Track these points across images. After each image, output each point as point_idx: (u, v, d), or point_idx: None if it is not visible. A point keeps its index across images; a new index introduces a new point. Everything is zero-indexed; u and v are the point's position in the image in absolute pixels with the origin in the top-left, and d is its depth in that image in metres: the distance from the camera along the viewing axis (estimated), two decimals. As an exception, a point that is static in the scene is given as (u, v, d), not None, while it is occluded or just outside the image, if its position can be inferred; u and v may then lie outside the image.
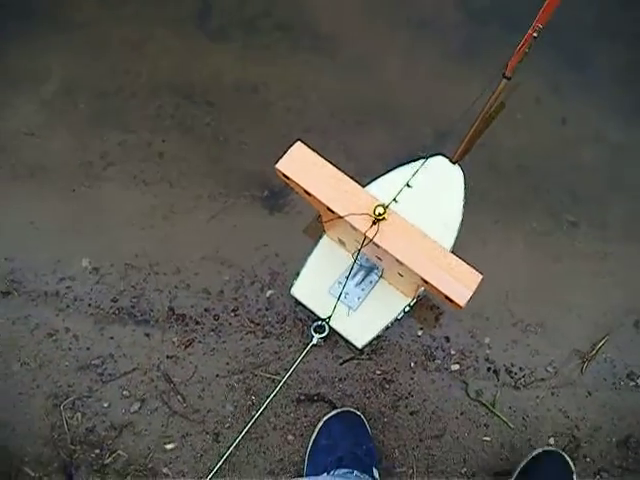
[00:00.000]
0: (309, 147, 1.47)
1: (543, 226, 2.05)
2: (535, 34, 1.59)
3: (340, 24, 2.21)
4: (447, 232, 1.91)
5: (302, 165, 1.49)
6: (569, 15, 2.19)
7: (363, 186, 1.48)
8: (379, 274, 1.87)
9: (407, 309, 1.89)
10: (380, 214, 1.41)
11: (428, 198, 1.91)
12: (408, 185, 1.82)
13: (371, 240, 1.42)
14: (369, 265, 1.87)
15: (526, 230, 2.04)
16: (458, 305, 1.38)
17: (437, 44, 2.22)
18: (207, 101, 2.14)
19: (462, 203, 1.95)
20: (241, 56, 2.19)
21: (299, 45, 2.22)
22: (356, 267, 1.87)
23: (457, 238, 1.89)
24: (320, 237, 1.93)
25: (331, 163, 1.46)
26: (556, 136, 2.14)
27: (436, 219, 1.90)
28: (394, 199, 1.59)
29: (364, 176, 1.90)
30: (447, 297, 1.39)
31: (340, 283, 1.87)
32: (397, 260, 1.41)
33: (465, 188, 1.96)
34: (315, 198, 1.46)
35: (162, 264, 1.94)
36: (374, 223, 1.42)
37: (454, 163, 1.98)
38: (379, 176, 1.92)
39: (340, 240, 1.87)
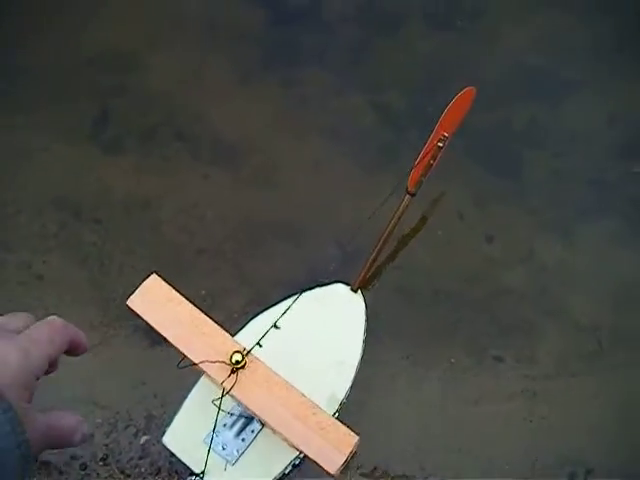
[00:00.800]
0: (165, 280, 1.32)
1: (463, 362, 1.81)
2: (440, 144, 1.40)
3: (245, 135, 2.06)
4: (343, 372, 1.66)
5: (155, 301, 1.32)
6: (492, 119, 2.02)
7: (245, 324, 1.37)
8: (260, 423, 1.61)
9: (298, 462, 1.62)
10: (238, 362, 1.24)
11: (320, 334, 1.68)
12: (276, 326, 1.59)
13: (228, 392, 1.24)
14: (247, 413, 1.61)
15: (443, 367, 1.80)
16: (328, 473, 1.20)
17: (349, 153, 2.04)
18: (95, 219, 1.96)
19: (362, 337, 1.71)
20: (136, 168, 2.02)
21: (200, 157, 2.05)
22: (234, 415, 1.62)
23: (357, 375, 1.64)
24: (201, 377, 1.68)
25: (191, 296, 1.31)
26: (480, 256, 1.93)
27: (328, 358, 1.66)
28: (258, 343, 1.39)
29: (258, 304, 1.72)
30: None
31: (217, 432, 1.60)
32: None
33: (366, 320, 1.72)
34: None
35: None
36: (232, 372, 1.26)
37: (355, 291, 1.75)
38: (266, 308, 1.69)
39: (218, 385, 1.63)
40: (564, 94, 2.14)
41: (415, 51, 2.19)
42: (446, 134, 1.42)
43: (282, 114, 2.10)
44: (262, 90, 2.13)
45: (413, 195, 1.57)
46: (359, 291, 1.76)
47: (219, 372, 1.27)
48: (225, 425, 1.61)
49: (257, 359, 1.29)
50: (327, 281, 1.73)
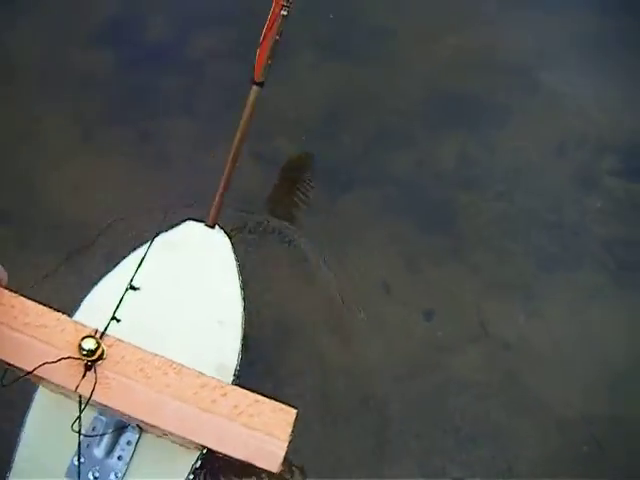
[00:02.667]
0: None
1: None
2: (284, 12, 1.14)
3: (87, 211, 1.51)
4: (227, 333, 1.22)
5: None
6: (413, 159, 1.57)
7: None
8: (136, 429, 1.13)
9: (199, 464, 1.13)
10: (92, 350, 0.83)
11: (187, 289, 1.25)
12: (132, 287, 1.09)
13: (87, 402, 0.85)
14: (115, 421, 1.12)
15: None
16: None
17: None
18: None
19: (238, 283, 1.27)
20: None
21: (28, 244, 1.49)
22: (98, 429, 1.12)
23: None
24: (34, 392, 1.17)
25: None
26: (419, 339, 1.44)
27: (205, 318, 1.23)
28: (114, 317, 0.96)
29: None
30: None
31: (80, 459, 1.09)
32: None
33: (237, 262, 1.29)
34: None
35: None
36: (88, 368, 0.85)
37: (212, 226, 1.33)
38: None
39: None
40: (496, 121, 1.71)
41: (309, 85, 1.73)
42: (289, -1, 1.18)
43: (136, 177, 1.57)
44: (110, 148, 1.61)
45: (261, 85, 1.26)
46: (217, 226, 1.33)
47: (68, 374, 0.85)
48: (89, 445, 1.11)
49: (118, 340, 0.88)
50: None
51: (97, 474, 1.13)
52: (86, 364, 0.85)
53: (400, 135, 1.53)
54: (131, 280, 1.12)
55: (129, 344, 0.88)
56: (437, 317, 1.45)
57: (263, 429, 0.82)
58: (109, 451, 1.14)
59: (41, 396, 1.17)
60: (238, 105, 1.64)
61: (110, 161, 1.56)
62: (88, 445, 1.13)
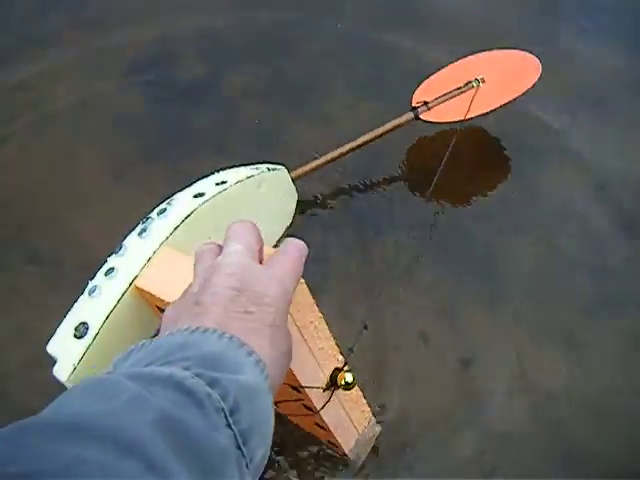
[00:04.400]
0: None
1: None
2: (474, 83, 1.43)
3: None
4: None
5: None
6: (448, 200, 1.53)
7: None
8: None
9: None
10: (349, 384, 0.89)
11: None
12: None
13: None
14: None
15: None
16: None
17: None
18: None
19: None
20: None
21: (61, 285, 1.47)
22: None
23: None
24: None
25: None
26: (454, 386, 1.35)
27: None
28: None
29: None
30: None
31: None
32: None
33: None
34: None
35: None
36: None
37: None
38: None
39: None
40: (534, 163, 1.67)
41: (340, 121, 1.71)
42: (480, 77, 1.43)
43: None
44: (143, 186, 1.60)
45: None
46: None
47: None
48: None
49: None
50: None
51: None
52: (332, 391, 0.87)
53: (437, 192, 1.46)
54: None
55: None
56: (475, 366, 1.37)
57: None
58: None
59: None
60: (270, 145, 1.63)
61: (142, 201, 1.54)
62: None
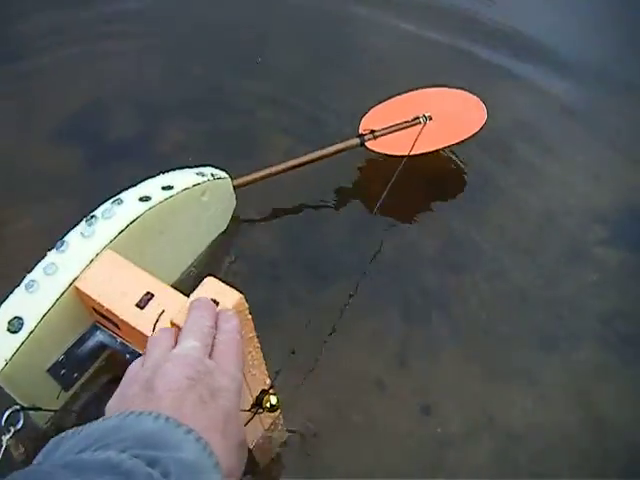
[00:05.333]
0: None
1: None
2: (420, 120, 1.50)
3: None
4: None
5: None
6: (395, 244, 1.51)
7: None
8: None
9: None
10: (273, 406, 0.93)
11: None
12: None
13: None
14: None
15: None
16: None
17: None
18: None
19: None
20: None
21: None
22: None
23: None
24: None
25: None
26: (420, 436, 1.31)
27: None
28: None
29: None
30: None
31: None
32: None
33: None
34: None
35: None
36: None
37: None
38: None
39: None
40: (478, 197, 1.68)
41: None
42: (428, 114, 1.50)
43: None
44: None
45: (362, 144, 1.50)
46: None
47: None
48: None
49: None
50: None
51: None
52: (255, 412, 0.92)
53: (382, 219, 1.51)
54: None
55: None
56: (435, 411, 1.33)
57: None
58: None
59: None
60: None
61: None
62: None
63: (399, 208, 1.59)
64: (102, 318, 1.04)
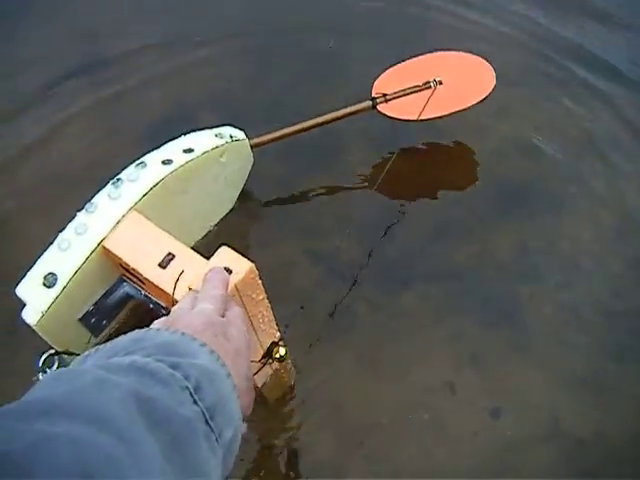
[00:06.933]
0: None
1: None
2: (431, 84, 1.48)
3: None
4: None
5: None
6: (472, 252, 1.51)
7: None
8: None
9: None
10: (282, 357, 1.03)
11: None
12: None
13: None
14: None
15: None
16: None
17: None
18: None
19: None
20: None
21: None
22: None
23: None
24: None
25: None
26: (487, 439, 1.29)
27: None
28: None
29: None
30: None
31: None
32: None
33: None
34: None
35: None
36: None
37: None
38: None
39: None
40: (553, 209, 1.61)
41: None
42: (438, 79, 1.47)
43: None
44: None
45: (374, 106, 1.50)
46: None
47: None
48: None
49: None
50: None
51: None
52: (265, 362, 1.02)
53: (458, 228, 1.47)
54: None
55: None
56: (505, 414, 1.30)
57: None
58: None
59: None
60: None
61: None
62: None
63: (473, 216, 1.56)
64: (128, 273, 1.11)
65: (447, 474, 1.24)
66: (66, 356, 1.12)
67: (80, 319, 1.15)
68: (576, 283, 1.48)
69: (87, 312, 1.15)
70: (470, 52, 1.57)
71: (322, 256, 1.49)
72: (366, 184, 1.58)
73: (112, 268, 1.13)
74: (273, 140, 1.47)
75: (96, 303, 1.16)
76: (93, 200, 1.13)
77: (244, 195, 1.55)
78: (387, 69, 1.56)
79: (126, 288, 1.19)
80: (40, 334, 1.09)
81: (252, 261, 0.85)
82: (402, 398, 1.32)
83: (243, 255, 0.86)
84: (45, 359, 1.06)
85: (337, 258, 1.50)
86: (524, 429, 1.28)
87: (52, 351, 1.07)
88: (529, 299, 1.45)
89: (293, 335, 1.26)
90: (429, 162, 1.67)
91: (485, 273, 1.49)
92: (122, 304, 1.22)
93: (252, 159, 1.48)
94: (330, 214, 1.57)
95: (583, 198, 1.61)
